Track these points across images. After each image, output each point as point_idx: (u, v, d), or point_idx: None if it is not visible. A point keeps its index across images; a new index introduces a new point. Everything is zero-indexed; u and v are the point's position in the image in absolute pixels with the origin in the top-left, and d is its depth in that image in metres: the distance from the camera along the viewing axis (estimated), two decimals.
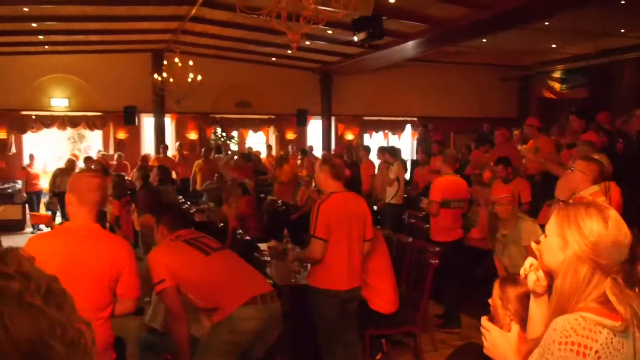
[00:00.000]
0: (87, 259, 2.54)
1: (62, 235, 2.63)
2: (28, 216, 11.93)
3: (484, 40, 10.78)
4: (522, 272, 1.76)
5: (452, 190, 5.76)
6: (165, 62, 11.52)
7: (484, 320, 2.11)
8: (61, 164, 11.87)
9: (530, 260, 1.75)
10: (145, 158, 11.61)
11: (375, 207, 9.23)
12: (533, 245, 1.74)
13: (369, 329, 4.40)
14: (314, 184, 9.20)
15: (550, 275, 1.69)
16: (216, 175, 10.78)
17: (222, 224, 7.17)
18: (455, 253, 5.63)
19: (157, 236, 3.55)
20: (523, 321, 2.36)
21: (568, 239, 1.56)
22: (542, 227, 5.29)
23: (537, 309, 1.77)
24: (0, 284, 0.74)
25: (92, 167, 10.73)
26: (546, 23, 9.49)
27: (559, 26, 9.85)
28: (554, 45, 12.32)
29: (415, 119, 15.50)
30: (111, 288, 2.63)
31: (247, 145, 14.46)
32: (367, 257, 4.13)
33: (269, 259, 5.12)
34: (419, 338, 4.70)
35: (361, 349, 4.23)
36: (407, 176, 12.47)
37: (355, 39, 8.41)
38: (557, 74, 14.68)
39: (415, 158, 14.40)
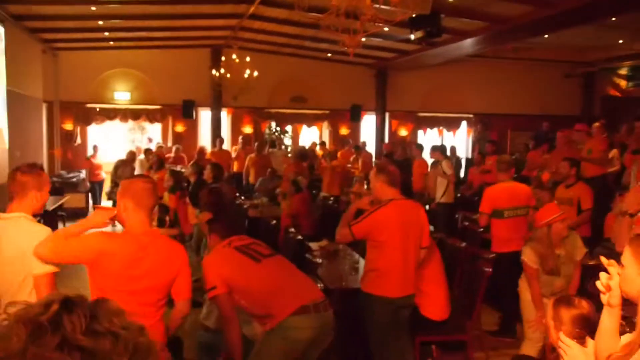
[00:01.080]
0: (149, 264, 2.65)
1: (128, 240, 2.70)
2: (91, 205, 12.46)
3: (546, 36, 10.43)
4: (599, 286, 1.88)
5: (505, 198, 5.48)
6: (223, 58, 11.74)
7: (562, 335, 2.12)
8: (122, 155, 12.35)
9: (604, 275, 1.87)
10: (202, 150, 11.88)
11: (427, 207, 9.14)
12: (615, 270, 1.87)
13: (420, 335, 4.38)
14: (365, 185, 9.17)
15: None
16: (269, 170, 10.93)
17: (274, 222, 7.28)
18: (515, 263, 5.45)
19: (210, 242, 3.66)
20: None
21: None
22: (608, 240, 5.08)
23: (610, 319, 1.88)
24: (91, 343, 0.76)
25: (150, 158, 11.08)
26: (613, 19, 9.08)
27: (627, 22, 9.41)
28: (621, 41, 11.78)
29: (471, 115, 15.22)
30: (167, 290, 2.76)
31: (304, 141, 14.57)
32: (421, 264, 4.12)
33: (320, 260, 5.16)
34: (470, 344, 4.65)
35: (412, 355, 4.22)
36: (461, 174, 12.29)
37: (412, 37, 8.31)
38: (623, 71, 14.08)
39: (470, 156, 14.16)
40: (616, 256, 4.63)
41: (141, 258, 2.63)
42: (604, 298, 1.86)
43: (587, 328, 2.39)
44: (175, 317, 2.84)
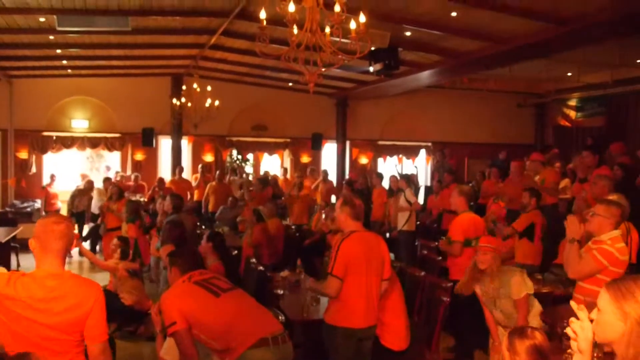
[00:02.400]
0: (56, 308, 2.51)
1: (30, 284, 2.52)
2: None
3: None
4: (569, 332, 1.84)
5: (472, 228, 5.62)
6: (184, 87, 11.74)
7: None
8: (79, 184, 12.12)
9: (575, 320, 1.84)
10: (161, 181, 11.75)
11: (387, 235, 9.25)
12: (584, 315, 1.83)
13: None
14: (324, 215, 9.25)
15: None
16: (230, 198, 10.88)
17: (236, 252, 7.25)
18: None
19: (170, 277, 3.65)
20: None
21: (627, 310, 1.73)
22: (559, 266, 5.26)
23: None
24: None
25: (109, 188, 10.91)
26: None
27: (576, 56, 9.89)
28: (569, 74, 12.35)
29: (429, 144, 15.57)
30: (81, 331, 2.59)
31: (263, 169, 14.57)
32: (382, 295, 4.17)
33: (281, 292, 5.16)
34: None
35: None
36: (421, 201, 12.49)
37: (371, 69, 8.53)
38: (573, 102, 14.69)
39: (429, 184, 14.42)
40: (565, 282, 4.79)
41: (46, 304, 2.49)
42: (573, 345, 1.83)
43: (540, 358, 2.48)
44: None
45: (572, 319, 1.84)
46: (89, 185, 11.88)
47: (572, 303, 1.91)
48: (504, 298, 4.20)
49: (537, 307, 4.27)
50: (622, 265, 3.93)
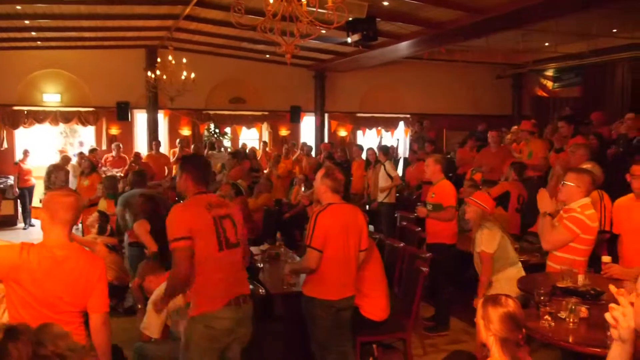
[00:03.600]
0: (64, 279, 2.62)
1: (42, 254, 2.63)
2: (20, 211, 11.93)
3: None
4: (609, 319, 1.70)
5: (455, 194, 5.76)
6: (159, 59, 11.50)
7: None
8: (54, 160, 11.87)
9: (615, 306, 1.71)
10: (137, 156, 11.57)
11: (367, 207, 9.27)
12: (626, 301, 1.67)
13: (360, 335, 4.46)
14: (303, 188, 9.25)
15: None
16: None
17: None
18: (453, 255, 5.69)
19: (181, 183, 3.46)
20: (503, 342, 2.42)
21: None
22: (534, 234, 5.39)
23: (621, 355, 1.73)
24: None
25: (81, 163, 10.69)
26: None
27: (553, 26, 9.90)
28: (547, 44, 12.38)
29: (408, 115, 15.56)
30: (85, 303, 2.71)
31: (241, 142, 14.43)
32: (361, 266, 4.18)
33: (261, 265, 5.15)
34: (409, 343, 4.77)
35: (353, 355, 4.29)
36: (400, 172, 12.53)
37: (349, 40, 8.42)
38: (549, 73, 14.75)
39: (407, 156, 14.44)
40: (541, 250, 4.92)
41: (56, 272, 2.60)
42: (614, 332, 1.67)
43: (514, 326, 2.50)
44: (92, 332, 2.73)
45: (613, 304, 1.69)
46: (65, 160, 11.65)
47: (612, 287, 1.75)
48: (476, 251, 4.58)
49: (511, 273, 4.40)
50: (592, 232, 4.01)
